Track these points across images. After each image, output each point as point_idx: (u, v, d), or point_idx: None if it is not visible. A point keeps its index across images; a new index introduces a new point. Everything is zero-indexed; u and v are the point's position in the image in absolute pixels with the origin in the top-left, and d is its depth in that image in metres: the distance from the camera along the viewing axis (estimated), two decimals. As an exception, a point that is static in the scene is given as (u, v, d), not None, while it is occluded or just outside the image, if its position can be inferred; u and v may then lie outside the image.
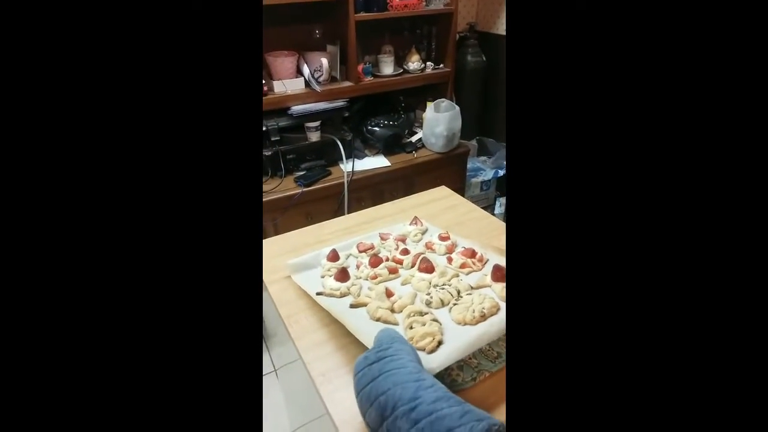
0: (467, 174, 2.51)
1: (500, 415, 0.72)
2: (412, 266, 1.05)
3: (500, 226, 1.28)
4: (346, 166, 2.06)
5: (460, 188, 2.38)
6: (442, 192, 1.50)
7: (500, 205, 2.63)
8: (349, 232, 1.28)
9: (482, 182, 2.57)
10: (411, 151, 2.22)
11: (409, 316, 0.85)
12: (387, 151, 2.19)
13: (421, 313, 0.85)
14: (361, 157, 2.16)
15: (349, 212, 2.02)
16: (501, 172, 2.57)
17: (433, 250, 1.12)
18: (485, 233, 1.24)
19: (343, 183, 2.01)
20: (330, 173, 2.06)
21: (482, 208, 1.42)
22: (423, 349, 0.78)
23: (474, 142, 2.76)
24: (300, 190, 1.94)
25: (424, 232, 1.21)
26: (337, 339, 0.89)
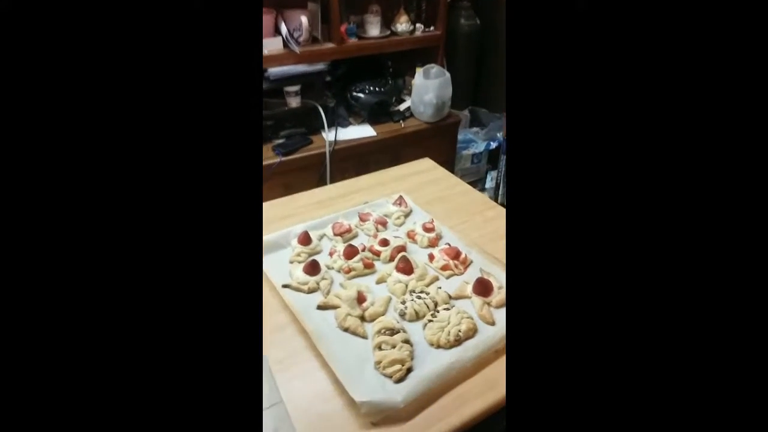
0: (458, 146, 2.38)
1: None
2: (390, 260, 0.95)
3: (483, 202, 1.21)
4: (329, 135, 1.93)
5: (450, 161, 2.26)
6: (426, 164, 1.41)
7: (491, 179, 2.53)
8: (324, 206, 1.17)
9: (473, 155, 2.44)
10: (398, 120, 2.09)
11: (379, 332, 0.76)
12: (373, 120, 2.05)
13: (393, 331, 0.75)
14: (344, 126, 2.02)
15: (331, 184, 1.91)
16: (493, 145, 2.45)
17: (415, 241, 1.01)
18: (468, 209, 1.15)
19: (324, 153, 1.88)
20: (311, 142, 1.92)
21: (472, 182, 1.32)
22: (390, 377, 0.70)
23: (466, 112, 2.61)
24: (278, 160, 1.80)
25: (407, 215, 1.11)
26: (299, 324, 0.80)
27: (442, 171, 1.36)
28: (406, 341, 0.75)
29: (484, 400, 0.69)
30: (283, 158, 1.81)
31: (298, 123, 1.90)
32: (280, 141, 1.88)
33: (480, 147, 2.47)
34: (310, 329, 0.78)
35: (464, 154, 2.45)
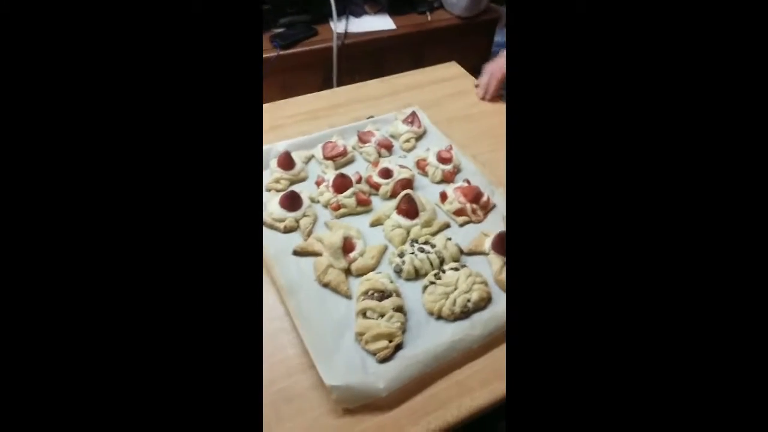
0: (492, 48, 2.05)
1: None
2: (392, 196, 0.75)
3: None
4: (338, 26, 1.62)
5: (480, 68, 1.95)
6: (451, 70, 1.16)
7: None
8: (317, 116, 0.95)
9: (508, 62, 2.10)
10: (424, 12, 1.76)
11: (365, 294, 0.59)
12: (393, 10, 1.72)
13: (383, 294, 0.58)
14: (358, 15, 1.70)
15: (338, 87, 1.66)
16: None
17: (426, 174, 0.81)
18: (499, 134, 0.90)
19: (331, 48, 1.59)
20: (316, 33, 1.63)
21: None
22: (373, 354, 0.55)
23: (505, 8, 2.21)
24: (275, 53, 1.54)
25: (420, 137, 0.89)
26: (267, 271, 0.64)
27: (470, 81, 1.10)
28: (399, 309, 0.59)
29: (490, 391, 0.55)
30: (282, 52, 1.54)
31: (302, 9, 1.61)
32: (279, 30, 1.59)
33: (518, 52, 2.11)
34: (281, 282, 0.62)
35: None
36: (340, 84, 1.67)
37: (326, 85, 1.66)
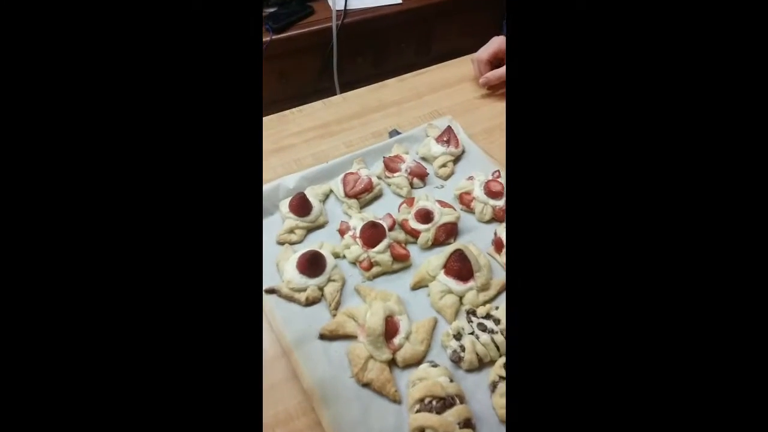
0: (504, 22, 1.85)
1: None
2: (434, 244, 0.61)
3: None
4: (336, 2, 1.42)
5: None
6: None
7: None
8: (329, 131, 0.79)
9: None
10: (433, -18, 1.54)
11: (421, 402, 0.46)
12: (398, -20, 1.51)
13: (444, 402, 0.45)
14: (359, -13, 1.49)
15: (339, 72, 1.48)
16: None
17: (471, 210, 0.66)
18: None
19: (330, 28, 1.40)
20: (312, 12, 1.44)
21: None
22: None
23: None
24: (268, 38, 1.35)
25: (457, 159, 0.73)
26: (291, 365, 0.51)
27: (503, 75, 0.93)
28: (467, 422, 0.45)
29: None
30: (275, 36, 1.35)
31: (295, -18, 1.39)
32: (271, 10, 1.39)
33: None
34: (309, 382, 0.48)
35: (513, 31, 1.90)
36: (341, 69, 1.49)
37: (326, 70, 1.48)
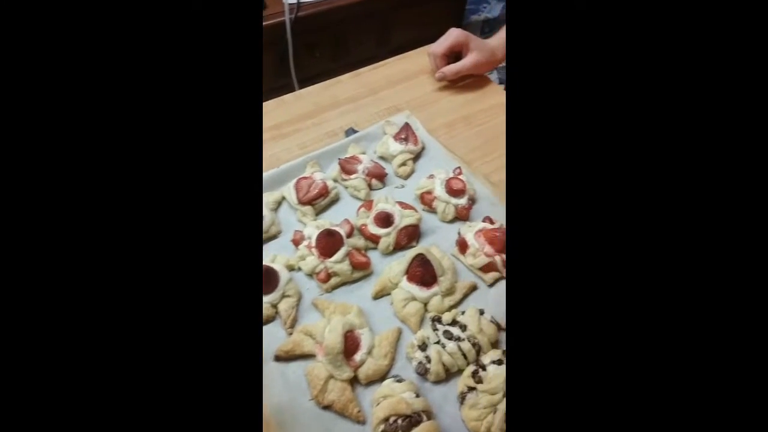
0: (466, 8, 1.83)
1: None
2: (396, 248, 0.58)
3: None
4: (289, -5, 1.37)
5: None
6: None
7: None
8: (281, 132, 0.75)
9: (483, 22, 1.88)
10: (389, -28, 1.50)
11: (385, 421, 0.43)
12: (353, -30, 1.46)
13: (410, 420, 0.42)
14: (312, -21, 1.43)
15: (297, 69, 1.42)
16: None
17: (433, 210, 0.63)
18: (501, 138, 0.71)
19: (284, 23, 1.34)
20: (264, 5, 1.37)
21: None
22: None
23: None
24: (217, 35, 1.27)
25: (418, 156, 0.70)
26: None
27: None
28: (434, 441, 0.42)
29: None
30: (226, 33, 1.27)
31: (243, -25, 1.31)
32: (219, 5, 1.31)
33: (495, 10, 1.89)
34: (264, 409, 0.44)
35: (473, 19, 1.89)
36: (297, 65, 1.43)
37: (283, 65, 1.42)
